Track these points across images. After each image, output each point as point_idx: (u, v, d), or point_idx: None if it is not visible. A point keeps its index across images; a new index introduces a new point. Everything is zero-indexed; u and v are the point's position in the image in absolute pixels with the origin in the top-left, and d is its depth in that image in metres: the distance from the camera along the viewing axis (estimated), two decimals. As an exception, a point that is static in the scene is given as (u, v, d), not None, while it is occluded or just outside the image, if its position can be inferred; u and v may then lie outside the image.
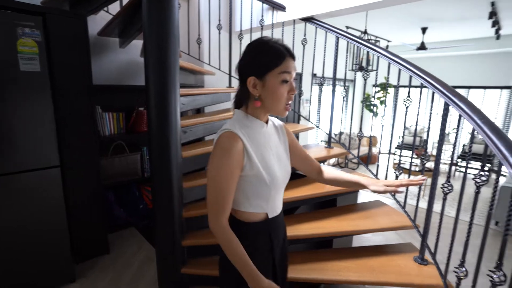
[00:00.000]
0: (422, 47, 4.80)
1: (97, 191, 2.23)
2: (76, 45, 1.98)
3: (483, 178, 1.20)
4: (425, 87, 1.63)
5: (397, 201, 1.96)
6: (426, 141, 1.59)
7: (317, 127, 2.65)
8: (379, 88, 6.87)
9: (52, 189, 1.86)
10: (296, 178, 2.12)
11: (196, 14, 2.97)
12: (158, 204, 1.58)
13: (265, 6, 2.70)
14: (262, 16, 2.70)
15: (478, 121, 1.23)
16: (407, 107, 1.86)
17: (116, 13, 1.94)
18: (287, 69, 0.84)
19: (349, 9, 2.25)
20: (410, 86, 1.78)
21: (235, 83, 3.11)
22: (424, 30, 4.74)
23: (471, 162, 6.22)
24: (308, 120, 2.72)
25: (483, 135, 1.19)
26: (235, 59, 3.00)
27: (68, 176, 2.05)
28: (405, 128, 2.04)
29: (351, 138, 6.10)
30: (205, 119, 1.75)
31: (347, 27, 4.61)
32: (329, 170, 1.15)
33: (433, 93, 1.61)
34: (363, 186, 1.07)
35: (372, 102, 6.98)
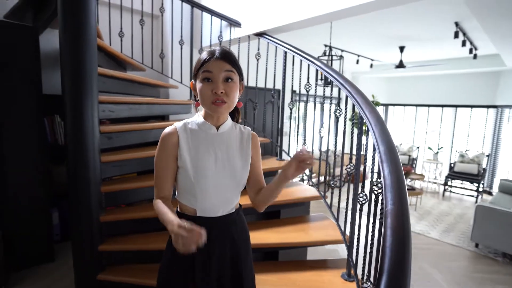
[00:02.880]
0: (400, 65, 4.84)
1: (42, 200, 2.25)
2: (25, 54, 2.07)
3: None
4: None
5: (332, 214, 1.91)
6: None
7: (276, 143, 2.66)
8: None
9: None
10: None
11: (166, 30, 3.10)
12: (74, 209, 1.58)
13: (224, 23, 2.80)
14: (221, 32, 2.79)
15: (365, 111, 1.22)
16: (337, 117, 1.85)
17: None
18: (207, 68, 0.92)
19: (295, 24, 2.31)
20: (324, 96, 1.78)
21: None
22: (402, 49, 4.80)
23: (463, 181, 6.06)
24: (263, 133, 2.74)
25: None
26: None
27: (7, 182, 2.09)
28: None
29: (337, 156, 6.04)
30: (132, 127, 1.79)
31: (326, 46, 4.71)
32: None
33: (353, 105, 1.60)
34: (280, 182, 1.00)
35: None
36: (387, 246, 0.73)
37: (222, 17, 2.71)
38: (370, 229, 1.30)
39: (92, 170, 1.56)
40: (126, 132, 1.79)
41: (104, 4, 2.70)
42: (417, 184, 6.52)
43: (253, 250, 1.82)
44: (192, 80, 1.00)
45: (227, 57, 0.94)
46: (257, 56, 2.61)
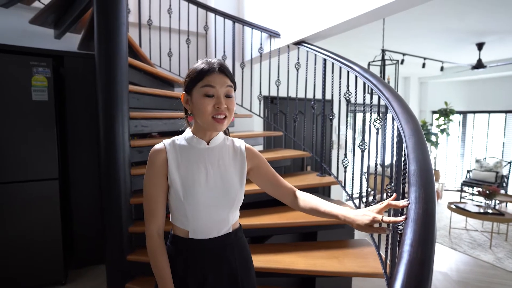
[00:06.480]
0: (479, 65, 4.12)
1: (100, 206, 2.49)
2: (88, 79, 2.36)
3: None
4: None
5: (373, 240, 1.64)
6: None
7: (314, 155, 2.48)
8: (438, 115, 6.02)
9: (49, 199, 2.16)
10: (279, 204, 1.98)
11: (210, 47, 3.23)
12: (105, 218, 1.68)
13: (264, 35, 2.77)
14: (261, 44, 2.77)
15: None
16: (377, 129, 1.60)
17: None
18: (208, 83, 0.87)
19: (335, 28, 2.14)
20: (363, 104, 1.56)
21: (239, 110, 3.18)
22: (480, 46, 4.07)
23: None
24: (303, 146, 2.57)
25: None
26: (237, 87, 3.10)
27: (70, 189, 2.37)
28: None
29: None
30: (158, 141, 1.84)
31: (383, 50, 4.31)
32: (305, 198, 1.01)
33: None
34: (344, 221, 0.87)
35: (430, 131, 6.14)
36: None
37: (262, 29, 2.69)
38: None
39: (122, 182, 1.65)
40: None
41: (155, 29, 2.94)
42: (510, 207, 5.36)
43: (279, 275, 1.68)
44: (184, 93, 0.93)
45: (227, 71, 0.90)
46: (296, 66, 2.50)
